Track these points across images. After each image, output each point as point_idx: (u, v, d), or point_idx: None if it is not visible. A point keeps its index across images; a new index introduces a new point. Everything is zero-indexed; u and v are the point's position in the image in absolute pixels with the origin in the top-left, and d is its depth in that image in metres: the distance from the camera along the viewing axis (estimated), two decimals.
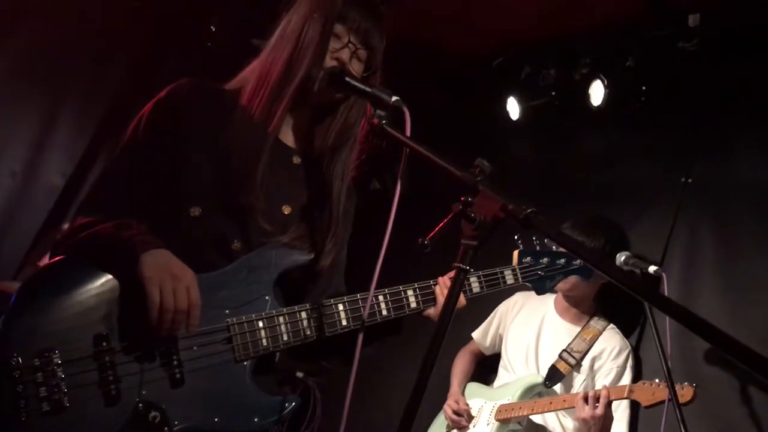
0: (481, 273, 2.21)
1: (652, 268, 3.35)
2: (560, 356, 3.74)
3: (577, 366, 3.71)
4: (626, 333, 3.88)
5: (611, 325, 3.81)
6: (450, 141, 4.73)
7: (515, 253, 2.32)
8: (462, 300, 2.11)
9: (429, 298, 2.10)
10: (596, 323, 3.81)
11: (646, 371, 3.81)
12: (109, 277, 1.77)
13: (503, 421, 3.69)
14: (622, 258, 3.42)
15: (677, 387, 3.12)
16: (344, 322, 1.98)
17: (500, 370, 4.02)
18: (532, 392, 3.75)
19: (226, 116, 1.97)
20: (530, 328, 3.94)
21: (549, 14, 4.44)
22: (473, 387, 4.08)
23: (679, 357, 3.60)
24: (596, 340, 3.74)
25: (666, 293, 3.24)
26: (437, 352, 1.59)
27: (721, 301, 3.82)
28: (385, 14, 2.11)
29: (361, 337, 1.76)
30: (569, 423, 3.67)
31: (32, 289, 1.75)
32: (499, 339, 4.13)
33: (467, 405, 3.87)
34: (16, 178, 4.53)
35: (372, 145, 2.12)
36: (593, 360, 3.72)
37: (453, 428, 3.89)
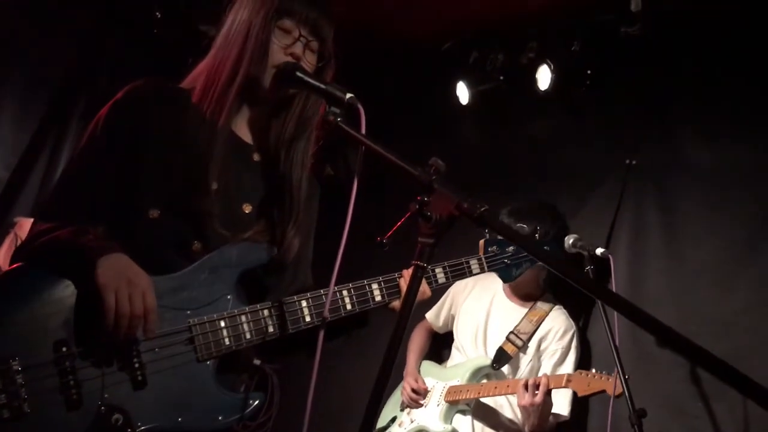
0: (446, 263, 2.24)
1: (599, 251, 3.45)
2: (507, 338, 3.80)
3: (524, 347, 3.78)
4: (576, 314, 3.97)
5: (558, 306, 3.90)
6: (401, 127, 4.78)
7: (481, 242, 2.34)
8: (427, 291, 2.16)
9: (394, 291, 2.12)
10: (543, 304, 3.89)
11: (595, 354, 3.92)
12: (68, 282, 1.77)
13: (452, 403, 3.76)
14: (570, 240, 3.51)
15: (608, 378, 3.23)
16: (308, 318, 1.99)
17: (453, 349, 4.08)
18: (479, 374, 3.82)
19: (181, 116, 1.97)
20: (480, 310, 4.01)
21: None
22: (427, 366, 4.14)
23: (630, 337, 3.70)
24: (542, 321, 3.82)
25: (613, 275, 3.34)
26: (399, 344, 1.64)
27: (667, 281, 3.91)
28: (328, 1, 2.12)
29: (322, 334, 1.78)
30: (514, 400, 3.72)
31: None
32: (451, 319, 4.20)
33: (425, 384, 3.94)
34: None
35: (328, 132, 2.13)
36: (540, 341, 3.80)
37: (407, 406, 3.95)
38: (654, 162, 4.18)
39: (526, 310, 3.89)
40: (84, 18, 4.91)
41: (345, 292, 2.05)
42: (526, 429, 3.51)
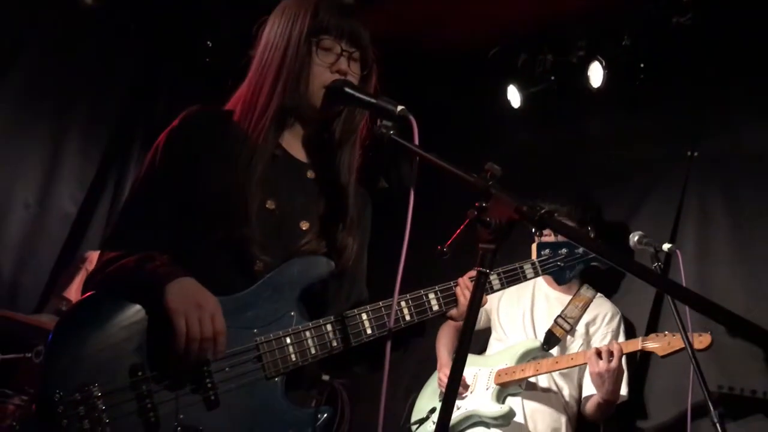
0: (501, 269, 2.23)
1: (665, 246, 3.38)
2: (555, 322, 3.86)
3: (572, 331, 3.85)
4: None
5: (599, 294, 3.98)
6: (454, 136, 4.77)
7: (533, 246, 2.33)
8: (484, 298, 2.14)
9: (450, 300, 2.13)
10: (586, 291, 3.97)
11: None
12: (138, 308, 1.82)
13: (504, 385, 3.72)
14: (636, 238, 3.45)
15: (696, 335, 3.22)
16: (369, 331, 2.00)
17: (492, 342, 4.08)
18: (528, 356, 3.80)
19: (230, 139, 2.01)
20: (522, 299, 4.06)
21: None
22: None
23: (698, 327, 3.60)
24: (588, 307, 3.90)
25: (682, 270, 3.26)
26: (466, 353, 1.64)
27: (735, 273, 3.82)
28: (356, 5, 2.12)
29: (389, 345, 1.79)
30: (564, 384, 3.78)
31: (68, 326, 1.80)
32: (485, 315, 4.17)
33: (463, 375, 3.89)
34: (30, 210, 4.59)
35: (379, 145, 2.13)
36: (587, 325, 3.86)
37: None
38: (715, 152, 4.09)
39: (569, 297, 3.96)
40: (139, 50, 5.07)
41: (403, 303, 2.06)
42: (599, 398, 3.52)
